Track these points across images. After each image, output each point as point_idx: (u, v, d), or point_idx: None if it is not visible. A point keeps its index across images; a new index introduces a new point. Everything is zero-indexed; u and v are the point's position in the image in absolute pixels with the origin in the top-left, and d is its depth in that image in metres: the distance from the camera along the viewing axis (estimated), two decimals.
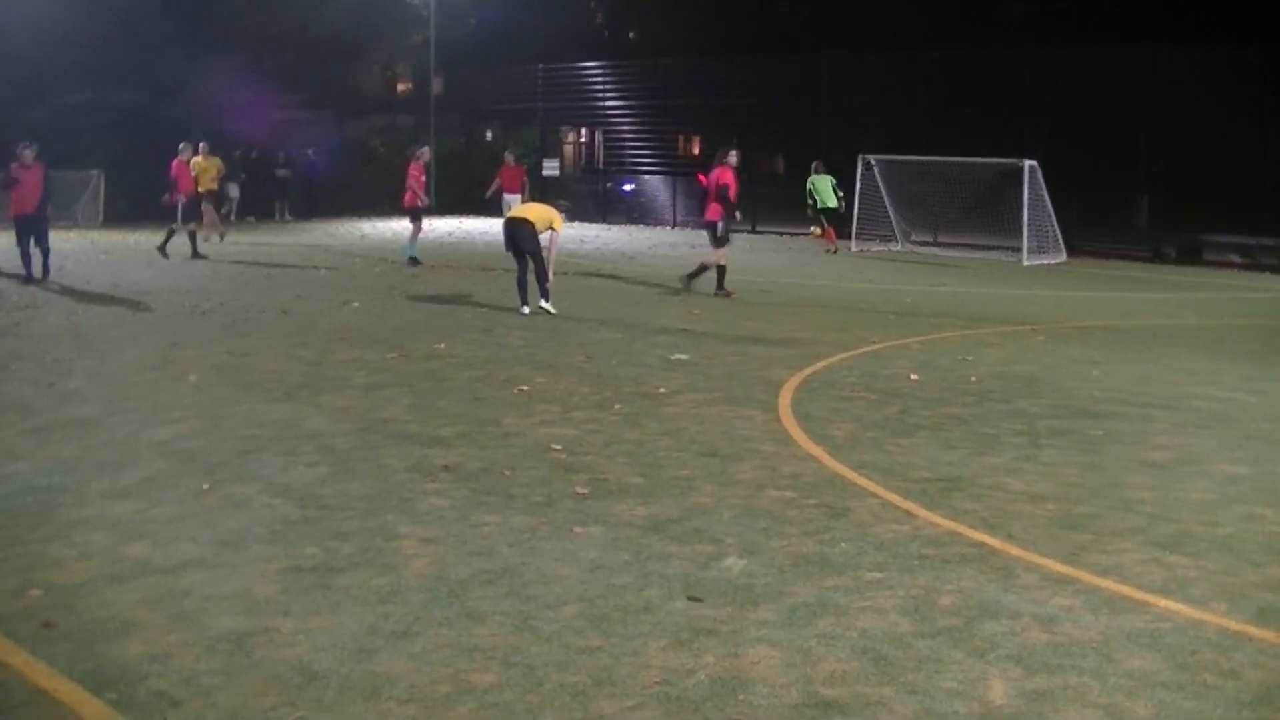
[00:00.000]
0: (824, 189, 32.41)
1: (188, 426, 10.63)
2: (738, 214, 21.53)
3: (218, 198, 29.81)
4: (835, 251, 32.20)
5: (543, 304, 18.37)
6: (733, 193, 21.13)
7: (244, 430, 10.51)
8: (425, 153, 27.24)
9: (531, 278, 18.34)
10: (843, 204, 32.38)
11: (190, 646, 5.98)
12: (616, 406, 11.82)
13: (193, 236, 26.78)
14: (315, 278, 23.10)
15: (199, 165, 27.50)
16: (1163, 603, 6.85)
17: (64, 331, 15.76)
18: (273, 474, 9.15)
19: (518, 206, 19.92)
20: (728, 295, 21.03)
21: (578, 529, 7.95)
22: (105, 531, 7.73)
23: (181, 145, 27.13)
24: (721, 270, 21.33)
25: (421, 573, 7.07)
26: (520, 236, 18.27)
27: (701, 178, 21.77)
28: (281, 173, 40.55)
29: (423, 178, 26.39)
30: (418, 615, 6.42)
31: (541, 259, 18.42)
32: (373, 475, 9.17)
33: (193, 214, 26.86)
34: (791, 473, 9.50)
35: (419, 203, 26.14)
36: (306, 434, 10.43)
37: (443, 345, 15.21)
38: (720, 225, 21.19)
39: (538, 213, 18.57)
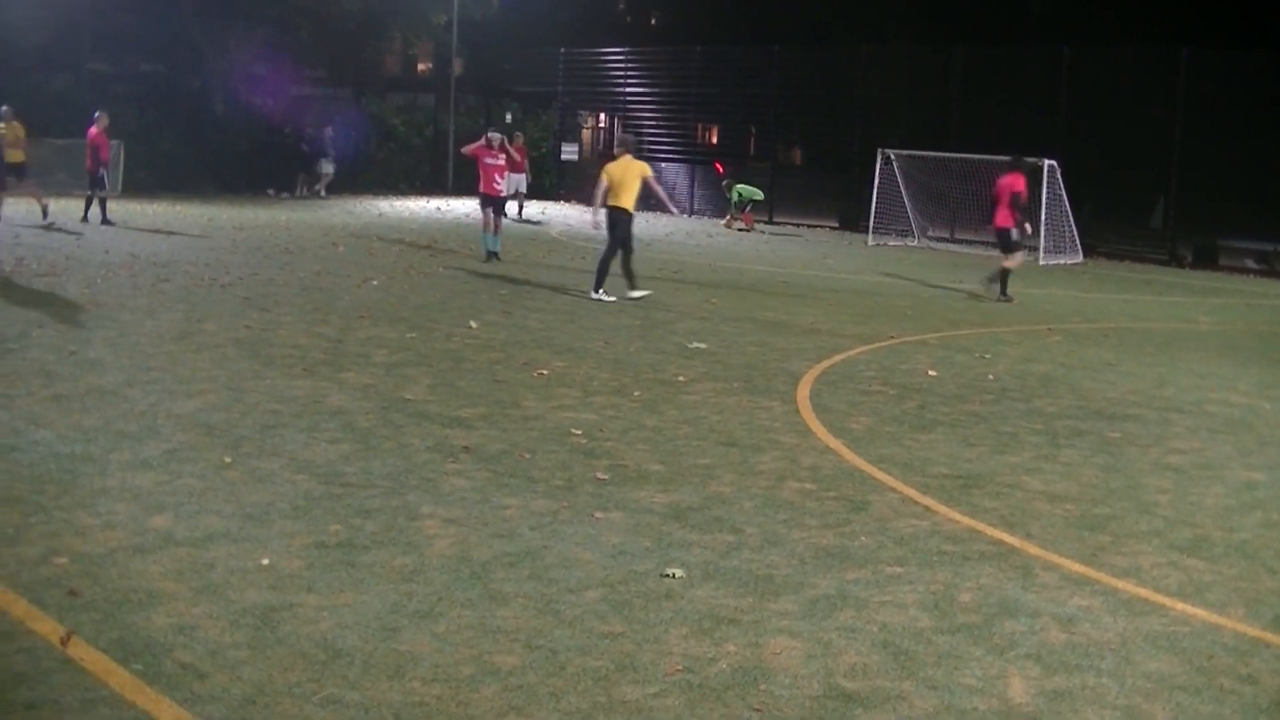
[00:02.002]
0: (747, 185, 33.70)
1: (209, 399, 10.67)
2: (1027, 225, 21.98)
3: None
4: (728, 226, 35.79)
5: (632, 294, 18.43)
6: (1024, 200, 21.63)
7: (266, 405, 10.56)
8: (495, 137, 24.04)
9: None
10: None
11: (216, 619, 6.03)
12: (635, 393, 11.86)
13: None
14: (334, 255, 23.11)
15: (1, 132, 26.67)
16: (1180, 606, 6.89)
17: (84, 300, 15.78)
18: (296, 449, 9.19)
19: (621, 197, 18.69)
20: (1009, 301, 21.23)
21: (599, 514, 8.00)
22: (129, 502, 7.77)
23: (96, 114, 27.21)
24: (1006, 274, 21.50)
25: (444, 553, 7.12)
26: (621, 224, 18.45)
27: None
28: (304, 148, 40.51)
29: (488, 160, 23.46)
30: (441, 595, 6.46)
31: (630, 247, 18.63)
32: (395, 454, 9.21)
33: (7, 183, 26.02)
34: (811, 465, 9.53)
35: (492, 190, 23.32)
36: (328, 410, 10.48)
37: (462, 326, 15.24)
38: (1014, 232, 21.49)
39: (630, 192, 18.55)
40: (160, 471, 8.48)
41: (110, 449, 8.96)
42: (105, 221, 26.73)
